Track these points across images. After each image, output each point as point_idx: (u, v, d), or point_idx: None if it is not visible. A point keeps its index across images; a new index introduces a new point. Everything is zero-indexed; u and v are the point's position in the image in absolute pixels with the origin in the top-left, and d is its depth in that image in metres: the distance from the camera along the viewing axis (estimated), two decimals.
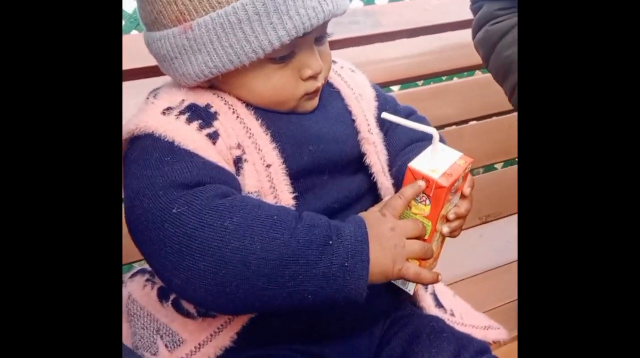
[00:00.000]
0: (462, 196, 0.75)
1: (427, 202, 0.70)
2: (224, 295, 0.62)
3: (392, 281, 0.77)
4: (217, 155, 0.68)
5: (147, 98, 0.74)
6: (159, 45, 0.70)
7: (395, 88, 1.61)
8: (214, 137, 0.69)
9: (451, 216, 0.74)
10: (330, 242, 0.63)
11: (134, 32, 1.50)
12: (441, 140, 0.72)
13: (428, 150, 0.71)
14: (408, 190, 0.69)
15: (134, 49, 0.80)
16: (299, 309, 0.66)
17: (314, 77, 0.73)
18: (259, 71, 0.70)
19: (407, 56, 1.34)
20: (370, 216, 0.69)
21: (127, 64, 0.94)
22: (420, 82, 1.63)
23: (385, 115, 0.71)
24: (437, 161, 0.70)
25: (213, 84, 0.73)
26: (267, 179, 0.70)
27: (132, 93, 0.75)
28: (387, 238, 0.66)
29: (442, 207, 0.70)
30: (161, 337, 0.74)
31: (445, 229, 0.74)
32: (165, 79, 0.78)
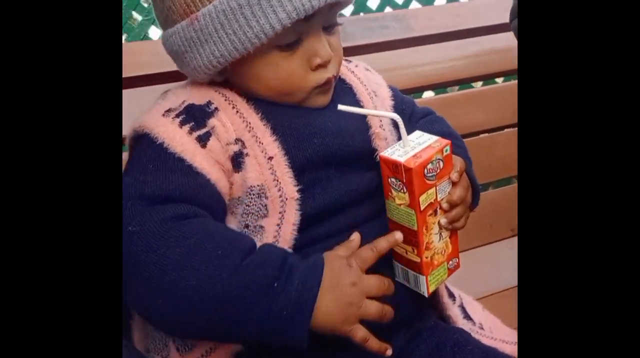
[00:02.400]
0: (453, 183, 0.73)
1: (404, 189, 0.68)
2: (164, 321, 0.64)
3: (401, 281, 0.76)
4: (206, 156, 0.68)
5: (158, 98, 0.76)
6: (172, 41, 0.72)
7: (427, 94, 1.58)
8: (204, 139, 0.69)
9: (445, 205, 0.72)
10: (276, 285, 0.62)
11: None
12: (459, 145, 0.69)
13: (402, 140, 0.71)
14: (381, 243, 0.69)
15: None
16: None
17: (323, 66, 0.72)
18: (266, 59, 0.70)
19: (438, 61, 1.32)
20: (336, 263, 0.67)
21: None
22: (456, 88, 1.61)
23: (340, 107, 0.70)
24: (408, 147, 0.70)
25: (226, 79, 0.74)
26: (269, 172, 0.70)
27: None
28: (345, 294, 0.65)
29: (419, 192, 0.68)
30: (173, 340, 0.73)
31: (443, 220, 0.72)
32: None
